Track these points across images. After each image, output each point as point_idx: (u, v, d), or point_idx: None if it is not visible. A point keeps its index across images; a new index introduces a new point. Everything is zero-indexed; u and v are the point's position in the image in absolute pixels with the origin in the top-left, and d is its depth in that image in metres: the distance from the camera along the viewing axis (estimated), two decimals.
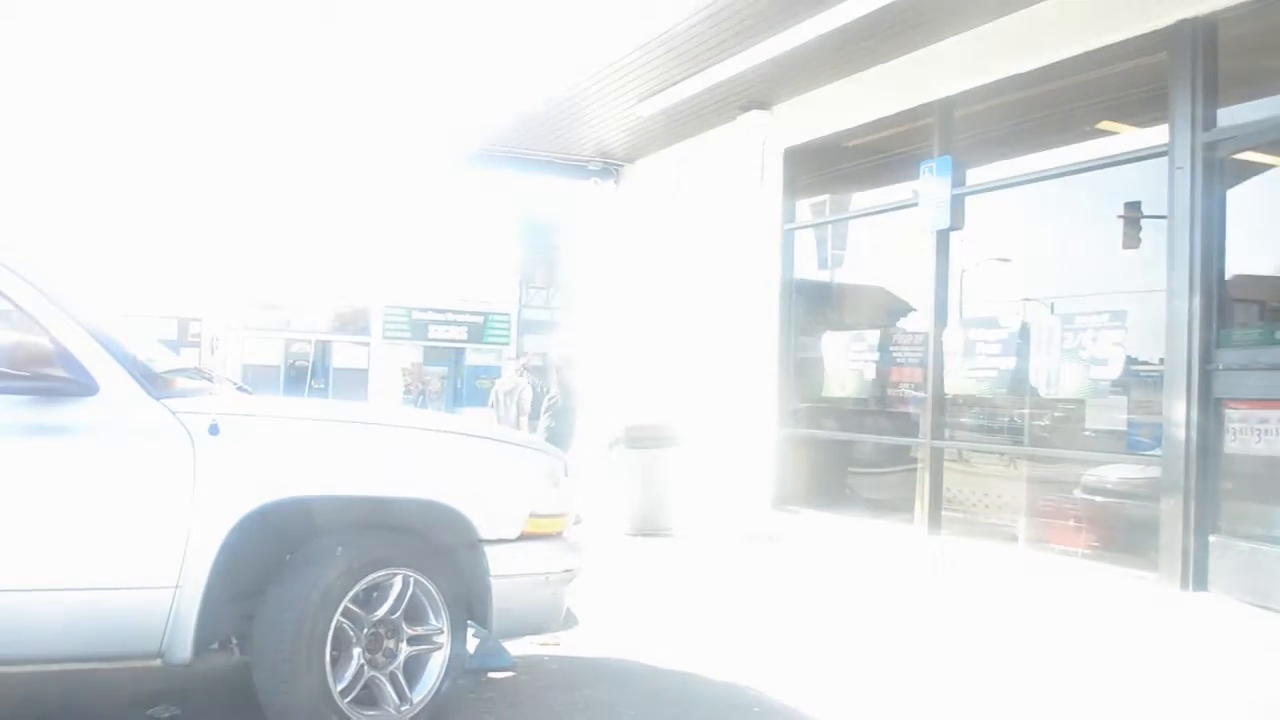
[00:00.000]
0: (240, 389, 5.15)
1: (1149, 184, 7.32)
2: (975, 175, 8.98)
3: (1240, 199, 6.95)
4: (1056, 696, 4.79)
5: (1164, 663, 5.31)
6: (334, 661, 3.99)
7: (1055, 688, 4.91)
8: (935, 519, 8.84)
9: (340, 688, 3.98)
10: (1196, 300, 6.91)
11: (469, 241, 45.67)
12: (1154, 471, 7.20)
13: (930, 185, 9.12)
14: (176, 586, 3.84)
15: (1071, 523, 7.96)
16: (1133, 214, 7.80)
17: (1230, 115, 6.95)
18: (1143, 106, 7.58)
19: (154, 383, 4.03)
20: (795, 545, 9.85)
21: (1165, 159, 7.16)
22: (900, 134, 9.70)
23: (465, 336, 41.57)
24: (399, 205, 40.09)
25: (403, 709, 4.13)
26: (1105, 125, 8.10)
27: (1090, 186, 8.05)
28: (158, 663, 3.90)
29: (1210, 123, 6.95)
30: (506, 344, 41.84)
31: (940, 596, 7.01)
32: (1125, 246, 7.89)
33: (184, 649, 3.87)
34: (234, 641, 4.20)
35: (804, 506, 10.41)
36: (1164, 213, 7.17)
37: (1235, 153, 6.92)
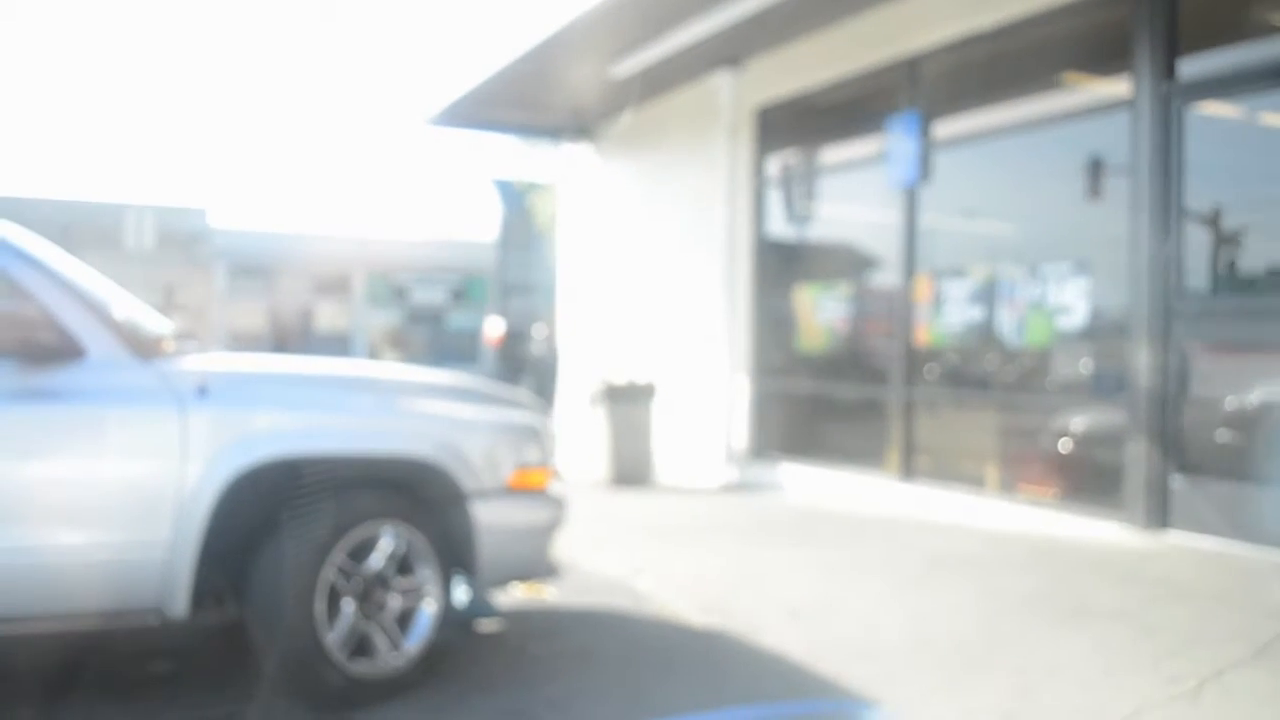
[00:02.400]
0: (228, 351, 5.11)
1: (1113, 135, 7.33)
2: (943, 130, 8.97)
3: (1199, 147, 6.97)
4: (1020, 626, 4.84)
5: (1127, 593, 5.36)
6: (327, 615, 4.00)
7: (1019, 618, 4.96)
8: (908, 466, 8.91)
9: (333, 640, 4.00)
10: (1158, 248, 6.95)
11: (447, 204, 45.56)
12: (1118, 416, 7.26)
13: (899, 141, 9.12)
14: (171, 545, 3.85)
15: (1039, 467, 8.01)
16: (1096, 165, 7.80)
17: (1191, 65, 6.97)
18: (1106, 59, 7.57)
19: (142, 346, 4.03)
20: (772, 493, 9.90)
21: (1128, 109, 7.19)
22: (869, 91, 9.68)
23: (446, 299, 41.46)
24: (376, 169, 39.97)
25: (394, 659, 4.14)
26: (1070, 78, 8.09)
27: (1056, 139, 8.07)
28: (155, 619, 3.91)
29: (1170, 73, 6.97)
30: (486, 304, 41.75)
31: (913, 539, 7.05)
32: (1089, 198, 7.90)
33: (180, 605, 3.88)
34: (229, 597, 4.19)
35: (780, 456, 10.46)
36: (1125, 164, 7.20)
37: (1195, 101, 6.94)
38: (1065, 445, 7.90)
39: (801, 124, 10.89)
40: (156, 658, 4.60)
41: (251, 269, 37.18)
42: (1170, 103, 6.97)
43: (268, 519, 4.06)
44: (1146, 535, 6.86)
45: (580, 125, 13.74)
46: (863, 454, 9.55)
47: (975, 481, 8.41)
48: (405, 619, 4.23)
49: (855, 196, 10.34)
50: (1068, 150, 7.99)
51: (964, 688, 4.17)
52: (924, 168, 8.96)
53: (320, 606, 3.98)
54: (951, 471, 8.67)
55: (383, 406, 4.44)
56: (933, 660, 4.54)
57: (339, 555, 4.07)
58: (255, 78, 74.51)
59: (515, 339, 15.71)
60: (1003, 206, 8.77)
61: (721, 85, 10.84)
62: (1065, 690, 4.08)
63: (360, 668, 4.06)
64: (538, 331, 14.69)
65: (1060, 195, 8.12)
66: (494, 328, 14.95)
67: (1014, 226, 8.68)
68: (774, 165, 11.10)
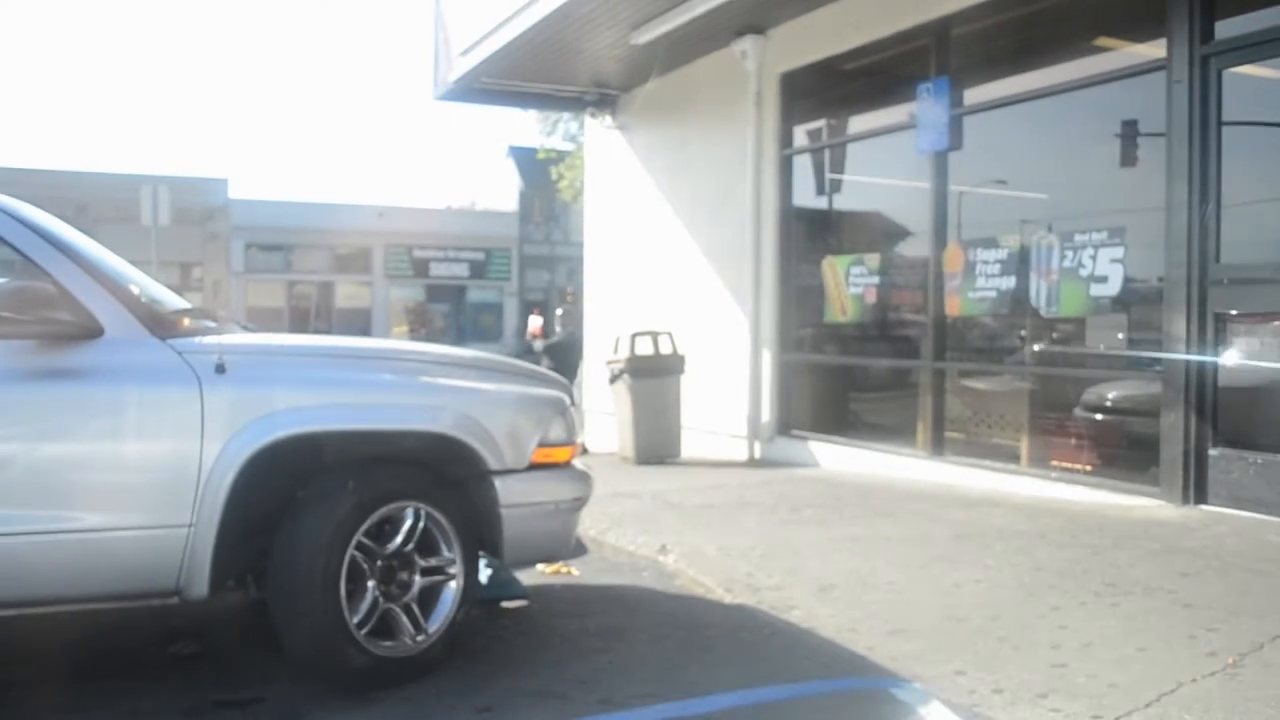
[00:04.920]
0: (245, 328, 5.11)
1: (1149, 99, 7.25)
2: (973, 96, 8.92)
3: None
4: (1060, 607, 4.82)
5: (1164, 567, 5.33)
6: (349, 595, 3.95)
7: (1054, 593, 4.93)
8: (938, 440, 8.89)
9: (356, 620, 3.97)
10: (1195, 215, 6.88)
11: (469, 177, 45.61)
12: (1154, 387, 7.23)
13: (928, 107, 9.07)
14: (190, 525, 3.84)
15: (1074, 441, 7.99)
16: (1130, 130, 7.73)
17: (1228, 28, 6.88)
18: (1140, 21, 7.50)
19: (159, 324, 4.01)
20: (799, 469, 9.89)
21: (1163, 73, 7.11)
22: (897, 56, 9.62)
23: (467, 274, 41.50)
24: (396, 142, 40.11)
25: (418, 639, 4.13)
26: (1103, 41, 8.01)
27: (1089, 104, 7.98)
28: (175, 600, 3.91)
29: (1208, 35, 6.89)
30: (507, 279, 41.82)
31: (943, 514, 7.02)
32: (1124, 164, 7.84)
33: (200, 586, 3.87)
34: (250, 578, 4.21)
35: (808, 432, 10.44)
36: (1162, 128, 7.12)
37: (1234, 64, 6.86)
38: (1100, 417, 7.86)
39: (828, 91, 10.85)
40: (179, 640, 4.61)
41: (269, 245, 37.27)
42: (1208, 65, 6.89)
43: (288, 498, 4.06)
44: (1184, 509, 6.83)
45: (602, 96, 13.73)
46: (892, 428, 9.54)
47: (1008, 455, 8.40)
48: (429, 598, 4.21)
49: (884, 164, 10.32)
50: (1102, 115, 7.94)
51: (998, 664, 4.14)
52: (954, 134, 8.91)
53: (343, 586, 3.96)
54: (983, 445, 8.67)
55: (403, 382, 4.42)
56: (965, 636, 4.52)
57: (361, 534, 4.05)
58: (275, 49, 74.61)
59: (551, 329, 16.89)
60: (1035, 173, 8.72)
61: (745, 52, 10.78)
62: (1101, 666, 4.06)
63: (384, 648, 4.05)
64: (560, 321, 15.14)
65: (1095, 161, 8.07)
66: (534, 323, 16.44)
67: (1047, 193, 8.63)
68: (800, 133, 11.07)
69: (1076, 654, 4.22)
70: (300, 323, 36.75)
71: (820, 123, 11.11)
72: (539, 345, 14.97)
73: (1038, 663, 4.15)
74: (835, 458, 9.89)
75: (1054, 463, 8.02)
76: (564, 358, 14.08)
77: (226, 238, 35.19)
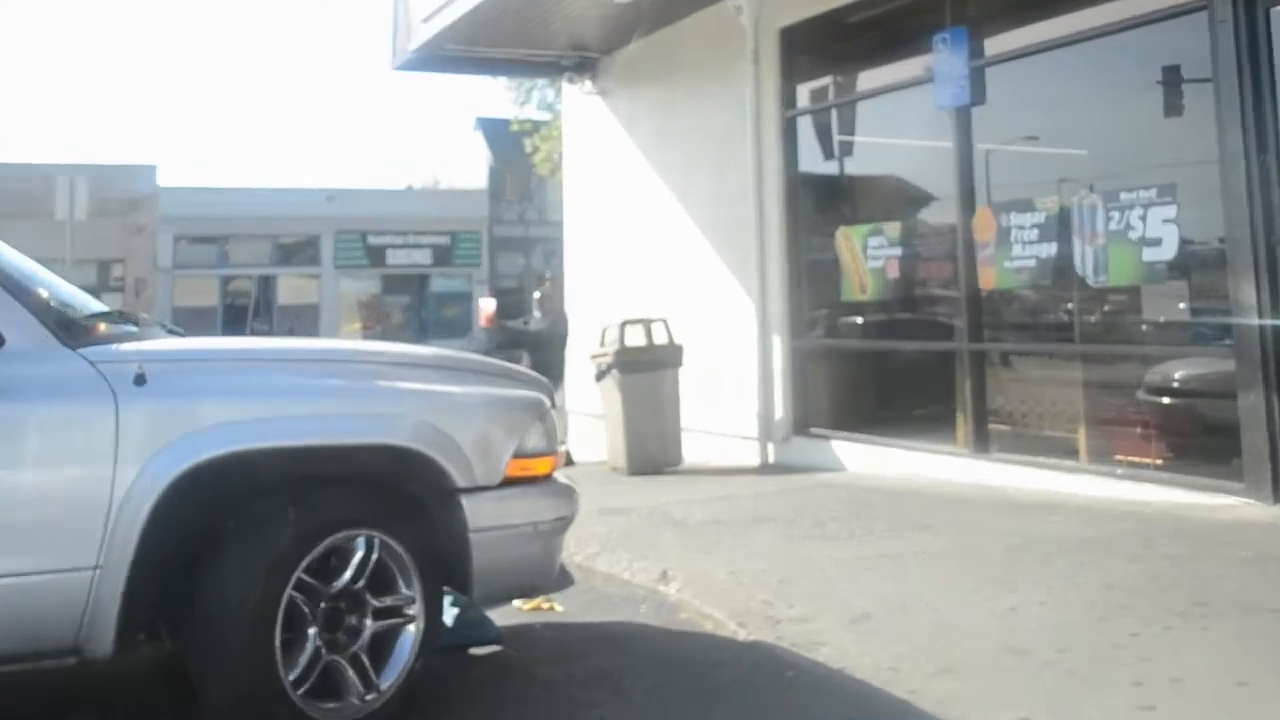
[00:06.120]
0: (171, 332, 5.02)
1: (1191, 42, 7.33)
2: (995, 45, 9.03)
3: None
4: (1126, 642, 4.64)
5: (1258, 580, 5.16)
6: (285, 645, 3.84)
7: (1130, 616, 4.76)
8: (981, 435, 8.85)
9: (293, 677, 3.84)
10: (1254, 166, 6.92)
11: (431, 155, 45.63)
12: (1227, 364, 7.18)
13: (945, 59, 9.16)
14: (96, 567, 3.71)
15: (1139, 430, 7.97)
16: (1173, 77, 7.81)
17: None
18: None
19: (70, 331, 3.97)
20: (819, 474, 9.87)
21: (1205, 13, 7.20)
22: (908, 4, 9.79)
23: (430, 261, 41.44)
24: (347, 119, 40.27)
25: (368, 698, 3.98)
26: None
27: (1125, 49, 8.05)
28: (72, 661, 3.75)
29: None
30: (476, 265, 41.78)
31: (993, 523, 6.93)
32: (1168, 114, 7.88)
33: (105, 642, 3.73)
34: (163, 627, 4.07)
35: (829, 430, 10.45)
36: (1208, 74, 7.20)
37: None
38: (1168, 402, 7.81)
39: (833, 45, 10.98)
40: (74, 709, 4.43)
41: (202, 237, 37.30)
42: (1254, 3, 6.97)
43: (215, 530, 3.91)
44: (1275, 508, 6.71)
45: (581, 60, 13.88)
46: (927, 422, 9.56)
47: (1063, 450, 8.35)
48: (382, 646, 4.09)
49: (899, 124, 10.44)
50: (1141, 61, 8.04)
51: (1070, 707, 3.99)
52: (975, 88, 8.98)
53: (278, 635, 3.81)
54: (1034, 439, 8.64)
55: (354, 387, 4.32)
56: (1028, 673, 4.37)
57: (301, 571, 3.91)
58: (210, 21, 74.84)
59: (511, 315, 16.38)
60: (1071, 127, 8.79)
61: (740, 7, 10.82)
62: (1196, 707, 3.92)
63: (325, 710, 3.90)
64: (537, 305, 14.86)
65: (1136, 112, 8.16)
66: (486, 306, 15.80)
67: (1085, 149, 8.70)
68: (804, 93, 11.17)
69: (1165, 692, 4.05)
70: (236, 323, 36.80)
71: (826, 80, 11.22)
72: (526, 323, 14.66)
73: (1118, 704, 3.99)
74: (862, 459, 9.83)
75: (1118, 457, 7.97)
76: (544, 352, 13.88)
77: (153, 230, 35.17)
